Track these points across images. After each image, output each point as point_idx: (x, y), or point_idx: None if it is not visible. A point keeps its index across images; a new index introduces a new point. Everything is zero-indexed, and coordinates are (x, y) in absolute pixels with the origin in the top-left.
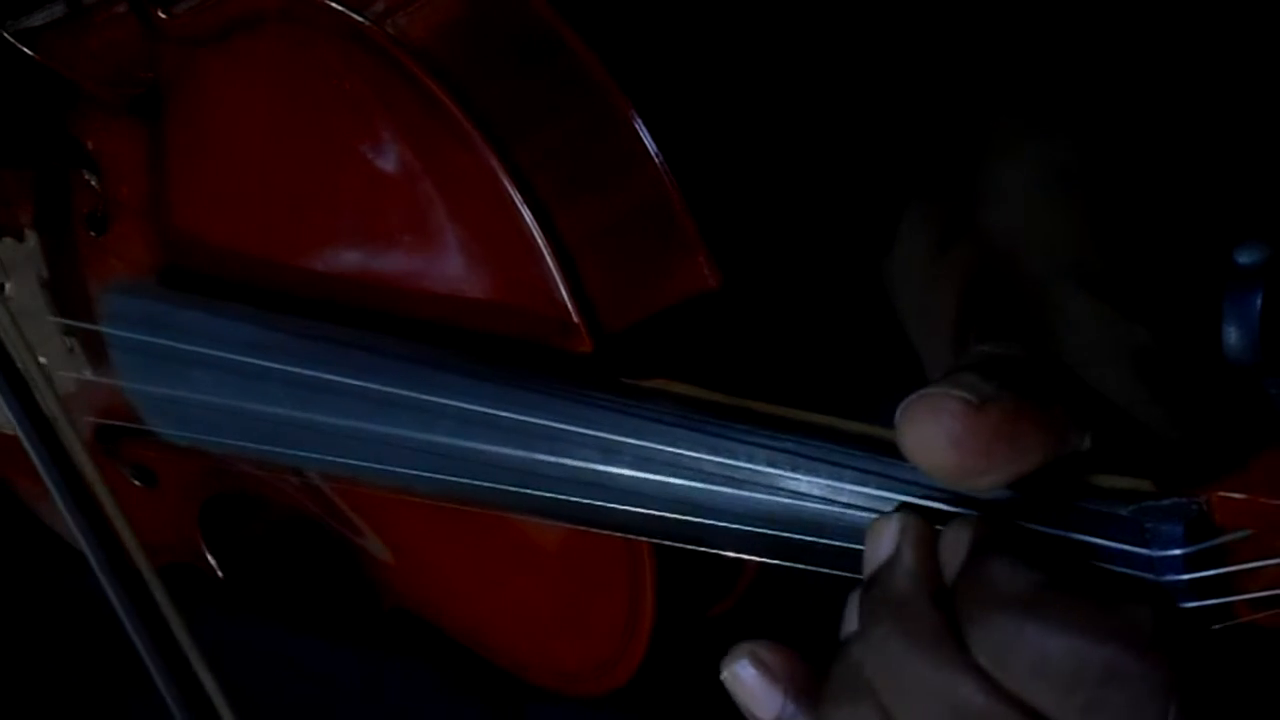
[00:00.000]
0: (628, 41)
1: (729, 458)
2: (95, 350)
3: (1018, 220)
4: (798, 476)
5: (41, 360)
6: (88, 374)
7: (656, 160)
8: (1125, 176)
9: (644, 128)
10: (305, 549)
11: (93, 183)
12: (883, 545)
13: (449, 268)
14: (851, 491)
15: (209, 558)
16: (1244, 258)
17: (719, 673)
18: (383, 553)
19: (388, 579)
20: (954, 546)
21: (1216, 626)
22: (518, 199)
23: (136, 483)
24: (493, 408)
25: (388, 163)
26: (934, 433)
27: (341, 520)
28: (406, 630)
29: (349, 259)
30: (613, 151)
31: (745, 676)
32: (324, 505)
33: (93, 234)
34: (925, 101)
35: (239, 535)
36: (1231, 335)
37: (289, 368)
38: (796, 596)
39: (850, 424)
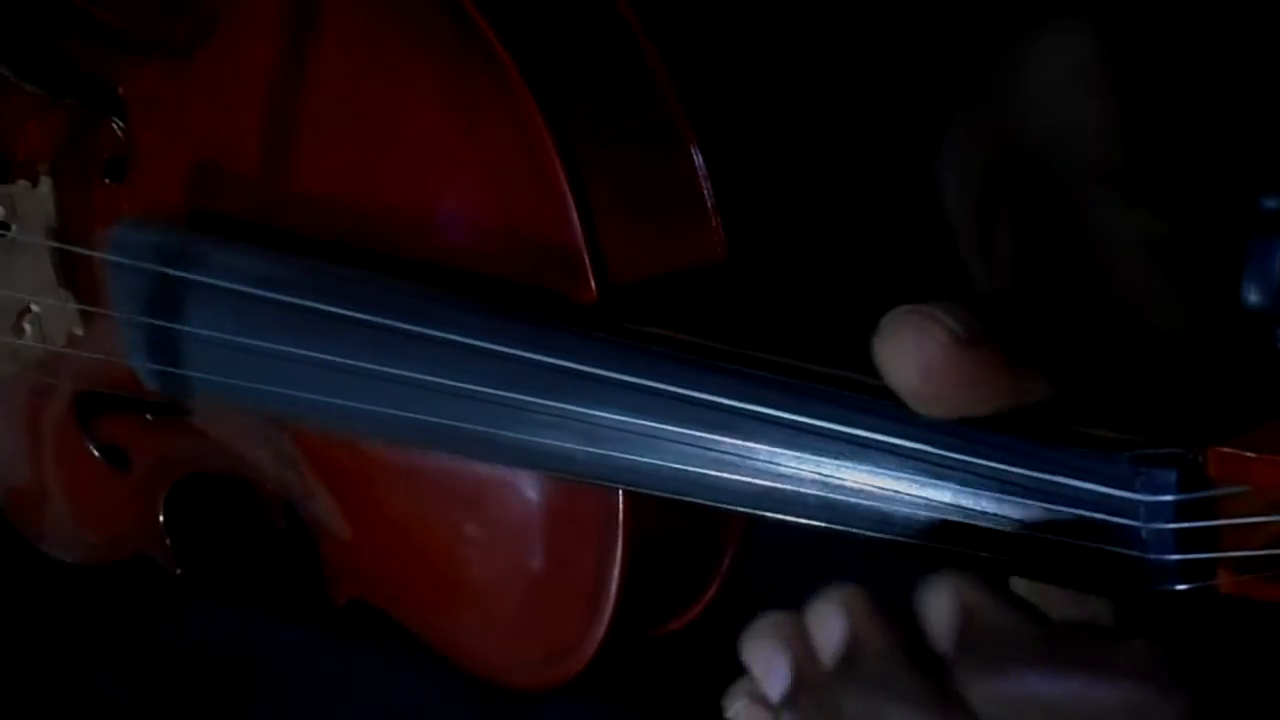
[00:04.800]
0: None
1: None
2: (92, 292)
3: (1044, 121)
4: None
5: (34, 309)
6: (81, 307)
7: (689, 133)
8: (1156, 78)
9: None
10: (265, 542)
11: (118, 129)
12: (833, 633)
13: (469, 197)
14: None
15: (168, 546)
16: (1272, 203)
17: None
18: (343, 530)
19: (345, 563)
20: (938, 609)
21: (1198, 585)
22: (550, 138)
23: (107, 465)
24: (491, 342)
25: (417, 87)
26: (910, 352)
27: (307, 492)
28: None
29: (366, 183)
30: (649, 118)
31: (763, 653)
32: (290, 476)
33: (108, 180)
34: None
35: (201, 525)
36: (1251, 280)
37: (288, 299)
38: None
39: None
